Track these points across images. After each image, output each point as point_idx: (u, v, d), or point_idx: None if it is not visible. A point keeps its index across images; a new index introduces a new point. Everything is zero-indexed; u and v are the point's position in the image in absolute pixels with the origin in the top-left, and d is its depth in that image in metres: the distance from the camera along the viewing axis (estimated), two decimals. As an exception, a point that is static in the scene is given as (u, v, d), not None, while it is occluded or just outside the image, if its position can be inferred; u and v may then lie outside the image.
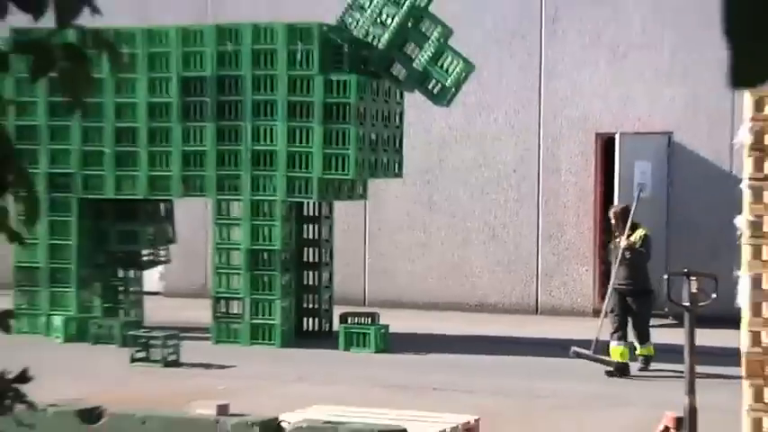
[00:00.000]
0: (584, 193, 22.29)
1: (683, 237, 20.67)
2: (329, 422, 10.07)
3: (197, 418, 10.16)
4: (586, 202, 22.26)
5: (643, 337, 16.07)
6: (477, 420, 12.08)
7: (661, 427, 9.50)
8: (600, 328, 15.82)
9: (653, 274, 15.94)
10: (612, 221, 16.71)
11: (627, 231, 16.04)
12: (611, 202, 20.38)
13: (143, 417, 10.15)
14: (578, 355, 15.76)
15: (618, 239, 16.26)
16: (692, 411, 9.30)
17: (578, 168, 22.31)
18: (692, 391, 9.33)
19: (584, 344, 15.92)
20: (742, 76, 1.91)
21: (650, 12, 21.86)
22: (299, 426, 9.70)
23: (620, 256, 15.98)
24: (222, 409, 10.21)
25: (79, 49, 3.73)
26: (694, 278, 9.60)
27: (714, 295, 9.68)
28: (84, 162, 19.06)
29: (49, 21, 3.63)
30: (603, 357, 15.66)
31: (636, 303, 16.04)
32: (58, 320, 19.00)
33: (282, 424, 9.72)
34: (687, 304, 9.48)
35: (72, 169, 19.14)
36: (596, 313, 17.70)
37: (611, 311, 16.05)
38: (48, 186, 19.18)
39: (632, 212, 16.25)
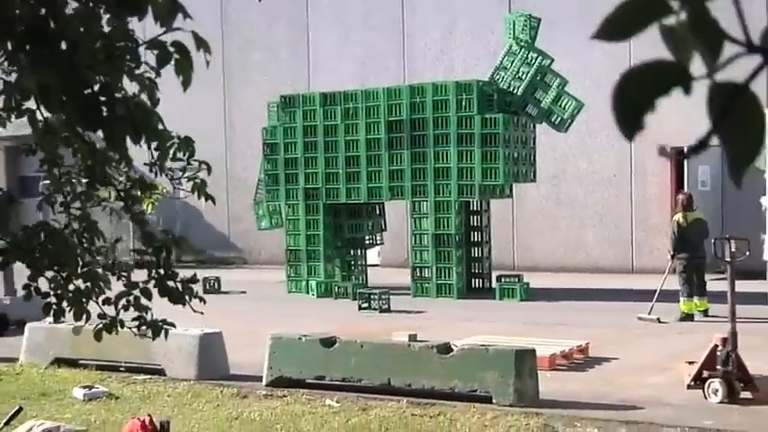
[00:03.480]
0: (663, 189, 21.67)
1: (733, 215, 19.87)
2: (483, 345, 10.03)
3: (396, 343, 10.22)
4: (664, 196, 21.62)
5: (703, 293, 14.61)
6: (587, 344, 11.91)
7: (712, 344, 9.18)
8: (661, 286, 14.56)
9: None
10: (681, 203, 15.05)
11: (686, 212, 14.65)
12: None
13: (361, 342, 10.28)
14: (641, 319, 14.44)
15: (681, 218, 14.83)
16: (734, 333, 8.97)
17: (659, 171, 21.71)
18: (733, 319, 8.99)
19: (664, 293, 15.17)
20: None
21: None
22: (462, 347, 9.69)
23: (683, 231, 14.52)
24: (412, 337, 10.24)
25: (184, 46, 3.69)
26: (733, 241, 9.24)
27: (747, 253, 9.30)
28: (326, 180, 19.31)
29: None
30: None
31: (699, 266, 14.61)
32: (313, 283, 19.33)
33: (452, 346, 9.72)
34: (728, 260, 9.13)
35: (319, 185, 19.42)
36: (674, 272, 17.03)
37: (681, 273, 14.59)
38: (304, 196, 19.54)
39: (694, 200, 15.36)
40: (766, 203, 8.04)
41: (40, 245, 4.11)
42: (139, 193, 4.37)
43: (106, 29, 3.73)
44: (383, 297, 16.68)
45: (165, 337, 4.42)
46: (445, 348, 9.60)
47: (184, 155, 4.34)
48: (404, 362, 9.75)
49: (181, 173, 4.34)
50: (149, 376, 11.04)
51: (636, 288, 18.54)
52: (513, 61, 18.06)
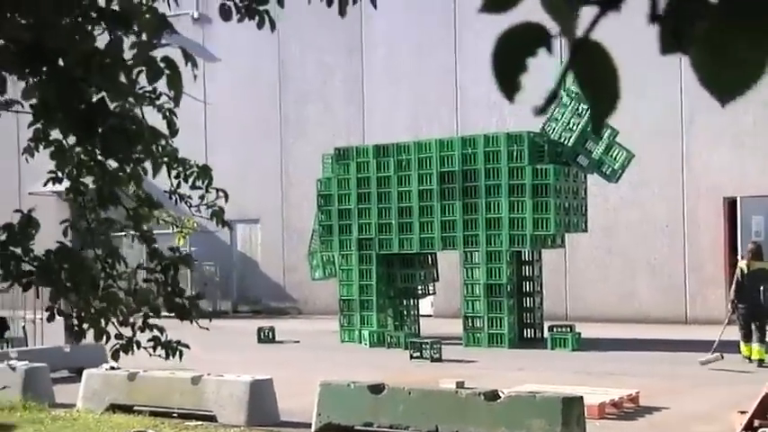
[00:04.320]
0: (716, 240, 21.43)
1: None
2: (531, 392, 9.98)
3: (443, 390, 10.21)
4: (718, 246, 21.39)
5: (762, 340, 14.75)
6: (637, 393, 11.77)
7: (763, 392, 9.03)
8: (721, 334, 14.87)
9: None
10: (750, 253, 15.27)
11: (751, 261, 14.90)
12: (736, 246, 19.70)
13: (409, 389, 10.27)
14: (704, 363, 14.72)
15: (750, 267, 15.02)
16: (784, 383, 8.82)
17: (711, 222, 21.49)
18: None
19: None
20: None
21: (760, 108, 20.98)
22: (509, 394, 9.65)
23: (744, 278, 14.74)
24: (459, 384, 10.22)
25: (173, 61, 3.79)
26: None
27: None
28: (379, 230, 19.42)
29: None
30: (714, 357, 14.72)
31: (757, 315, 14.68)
32: (365, 333, 19.35)
33: (499, 393, 9.67)
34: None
35: (372, 235, 19.53)
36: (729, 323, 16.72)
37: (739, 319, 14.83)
38: (357, 247, 19.66)
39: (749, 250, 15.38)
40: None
41: (61, 268, 4.25)
42: (147, 210, 4.50)
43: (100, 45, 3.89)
44: (435, 346, 16.63)
45: (180, 358, 4.52)
46: (492, 395, 9.56)
47: (203, 183, 4.47)
48: (451, 409, 9.73)
49: (200, 200, 4.47)
50: (201, 423, 11.15)
51: (689, 338, 18.29)
52: (564, 113, 18.10)
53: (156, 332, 4.43)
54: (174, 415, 11.62)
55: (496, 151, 18.07)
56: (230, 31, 28.73)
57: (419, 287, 20.34)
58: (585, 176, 18.55)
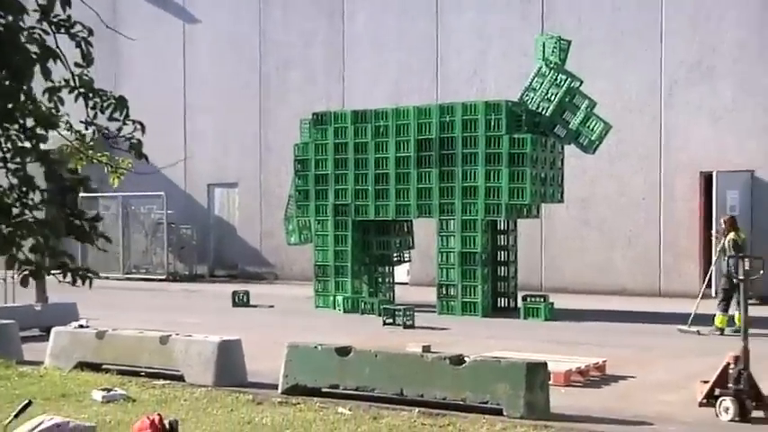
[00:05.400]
0: (692, 214, 21.51)
1: (761, 240, 19.68)
2: (495, 357, 10.01)
3: (409, 353, 10.24)
4: (693, 220, 21.47)
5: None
6: (604, 362, 11.85)
7: (725, 362, 9.10)
8: (697, 305, 15.29)
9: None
10: (723, 226, 15.88)
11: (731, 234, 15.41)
12: (711, 221, 19.83)
13: (375, 352, 10.31)
14: (682, 331, 15.26)
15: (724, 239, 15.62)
16: (746, 351, 8.89)
17: (688, 196, 21.56)
18: (745, 337, 8.91)
19: (686, 315, 15.46)
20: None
21: (738, 85, 21.05)
22: (474, 359, 9.68)
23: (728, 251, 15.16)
24: (425, 348, 10.25)
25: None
26: (747, 260, 9.15)
27: (762, 271, 9.20)
28: (356, 196, 19.39)
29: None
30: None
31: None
32: (339, 299, 19.37)
33: (464, 357, 9.70)
34: (742, 277, 9.06)
35: (348, 201, 19.50)
36: (703, 297, 16.84)
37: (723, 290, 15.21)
38: (333, 213, 19.63)
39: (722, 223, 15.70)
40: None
41: None
42: (44, 131, 4.44)
43: None
44: (408, 313, 16.68)
45: (90, 285, 4.49)
46: (458, 360, 9.60)
47: (120, 114, 4.42)
48: (417, 372, 9.77)
49: (117, 132, 4.43)
50: (168, 381, 11.15)
51: (662, 311, 18.42)
52: (543, 83, 18.08)
53: (65, 259, 4.39)
54: (142, 374, 11.61)
55: (474, 119, 18.03)
56: (211, -9, 28.56)
57: (394, 254, 20.38)
58: (563, 147, 18.54)
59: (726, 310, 15.19)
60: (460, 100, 19.52)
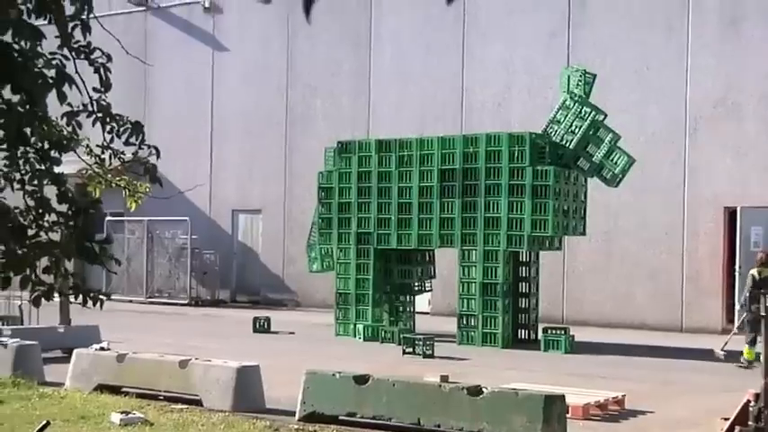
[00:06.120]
0: (715, 249, 21.38)
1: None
2: (513, 388, 9.98)
3: (426, 383, 10.22)
4: (716, 255, 21.34)
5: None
6: (623, 396, 11.77)
7: (744, 399, 9.02)
8: (729, 340, 15.73)
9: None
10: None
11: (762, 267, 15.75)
12: (734, 256, 19.78)
13: (393, 381, 10.30)
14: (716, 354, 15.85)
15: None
16: (766, 389, 8.79)
17: (711, 231, 21.45)
18: (766, 374, 8.81)
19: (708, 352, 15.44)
20: None
21: (762, 120, 20.99)
22: (492, 390, 9.65)
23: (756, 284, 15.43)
24: (443, 378, 10.20)
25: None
26: (768, 297, 9.09)
27: (784, 309, 9.12)
28: (378, 225, 19.41)
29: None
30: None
31: None
32: (360, 327, 19.36)
33: (482, 388, 9.67)
34: (764, 314, 8.99)
35: (371, 230, 19.53)
36: (723, 332, 16.83)
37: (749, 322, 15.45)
38: (356, 241, 19.67)
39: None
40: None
41: None
42: (57, 154, 4.49)
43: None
44: (428, 343, 16.62)
45: (101, 307, 4.53)
46: (475, 390, 9.57)
47: (136, 139, 4.48)
48: (434, 402, 9.75)
49: (132, 155, 4.49)
50: (186, 406, 11.19)
51: (682, 346, 18.28)
52: (567, 115, 18.09)
53: (77, 280, 4.44)
54: (161, 398, 11.66)
55: (498, 151, 18.05)
56: (240, 20, 28.92)
57: (415, 283, 20.34)
58: (586, 180, 18.51)
59: (753, 343, 15.25)
60: (484, 131, 19.57)
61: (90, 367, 12.34)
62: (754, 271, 15.68)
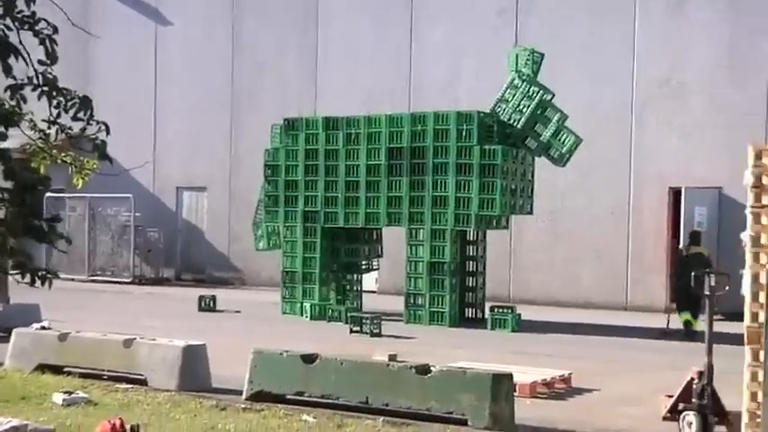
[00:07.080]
0: (660, 228, 21.67)
1: (728, 254, 19.81)
2: (461, 367, 10.01)
3: (374, 362, 10.20)
4: (661, 235, 21.64)
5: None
6: (569, 374, 11.89)
7: (689, 377, 9.16)
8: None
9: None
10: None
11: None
12: (679, 236, 20.07)
13: (341, 360, 10.27)
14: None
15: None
16: (710, 367, 8.93)
17: (656, 210, 21.75)
18: (710, 352, 8.94)
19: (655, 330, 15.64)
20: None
21: (709, 102, 21.27)
22: (440, 369, 9.66)
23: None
24: (392, 357, 10.20)
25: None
26: (712, 275, 9.21)
27: (727, 287, 9.26)
28: (325, 203, 19.35)
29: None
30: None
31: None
32: (307, 306, 19.32)
33: (430, 367, 9.68)
34: (707, 293, 9.12)
35: (318, 208, 19.46)
36: (666, 310, 17.14)
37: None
38: (303, 219, 19.58)
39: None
40: (746, 239, 8.03)
41: None
42: (2, 128, 4.37)
43: None
44: (374, 321, 16.65)
45: (49, 286, 4.43)
46: (423, 369, 9.58)
47: (84, 114, 4.36)
48: (382, 381, 9.74)
49: (81, 131, 4.37)
50: (131, 385, 11.04)
51: (627, 324, 18.53)
52: (515, 94, 18.16)
53: (23, 258, 4.32)
54: (105, 377, 11.49)
55: (446, 129, 18.07)
56: (185, -5, 28.43)
57: (363, 262, 20.34)
58: (533, 160, 18.62)
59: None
60: (433, 110, 19.56)
61: (30, 347, 12.11)
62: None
